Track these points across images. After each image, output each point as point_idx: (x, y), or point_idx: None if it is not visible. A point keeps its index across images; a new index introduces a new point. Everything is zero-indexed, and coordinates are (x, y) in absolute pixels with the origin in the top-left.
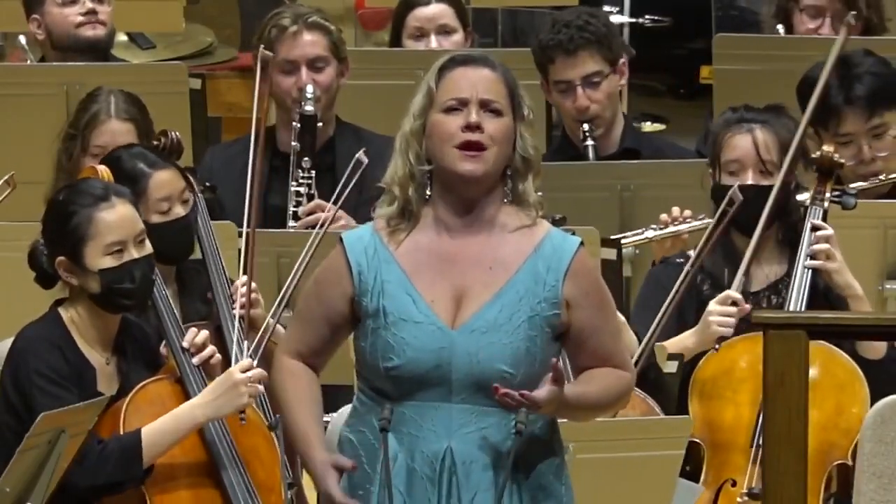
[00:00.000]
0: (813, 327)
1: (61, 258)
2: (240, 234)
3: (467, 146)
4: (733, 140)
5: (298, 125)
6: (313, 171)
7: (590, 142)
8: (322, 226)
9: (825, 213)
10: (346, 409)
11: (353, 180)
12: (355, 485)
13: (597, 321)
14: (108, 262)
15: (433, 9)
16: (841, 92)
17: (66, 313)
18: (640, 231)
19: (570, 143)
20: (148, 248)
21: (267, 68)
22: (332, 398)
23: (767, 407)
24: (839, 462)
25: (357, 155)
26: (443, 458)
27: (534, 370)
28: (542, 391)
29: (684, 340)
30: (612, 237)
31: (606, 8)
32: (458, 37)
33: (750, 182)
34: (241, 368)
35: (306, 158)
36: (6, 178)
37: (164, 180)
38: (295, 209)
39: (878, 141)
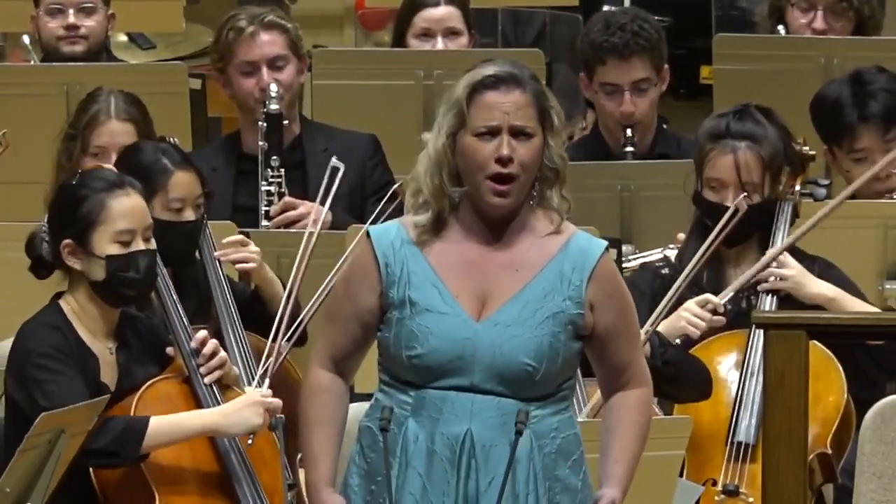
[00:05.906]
0: (813, 327)
1: (68, 241)
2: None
3: (498, 178)
4: (716, 159)
5: (265, 124)
6: (282, 170)
7: (630, 148)
8: (289, 225)
9: (795, 206)
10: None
11: (335, 186)
12: (373, 472)
13: (618, 325)
14: (115, 249)
15: (442, 10)
16: (855, 109)
17: (66, 305)
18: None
19: (603, 142)
20: (153, 244)
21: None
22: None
23: (767, 407)
24: (819, 451)
25: (332, 163)
26: (462, 441)
27: (555, 366)
28: None
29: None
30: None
31: (606, 8)
32: (464, 39)
33: (728, 203)
34: (261, 393)
35: (274, 157)
36: None
37: (183, 181)
38: (266, 208)
39: None
